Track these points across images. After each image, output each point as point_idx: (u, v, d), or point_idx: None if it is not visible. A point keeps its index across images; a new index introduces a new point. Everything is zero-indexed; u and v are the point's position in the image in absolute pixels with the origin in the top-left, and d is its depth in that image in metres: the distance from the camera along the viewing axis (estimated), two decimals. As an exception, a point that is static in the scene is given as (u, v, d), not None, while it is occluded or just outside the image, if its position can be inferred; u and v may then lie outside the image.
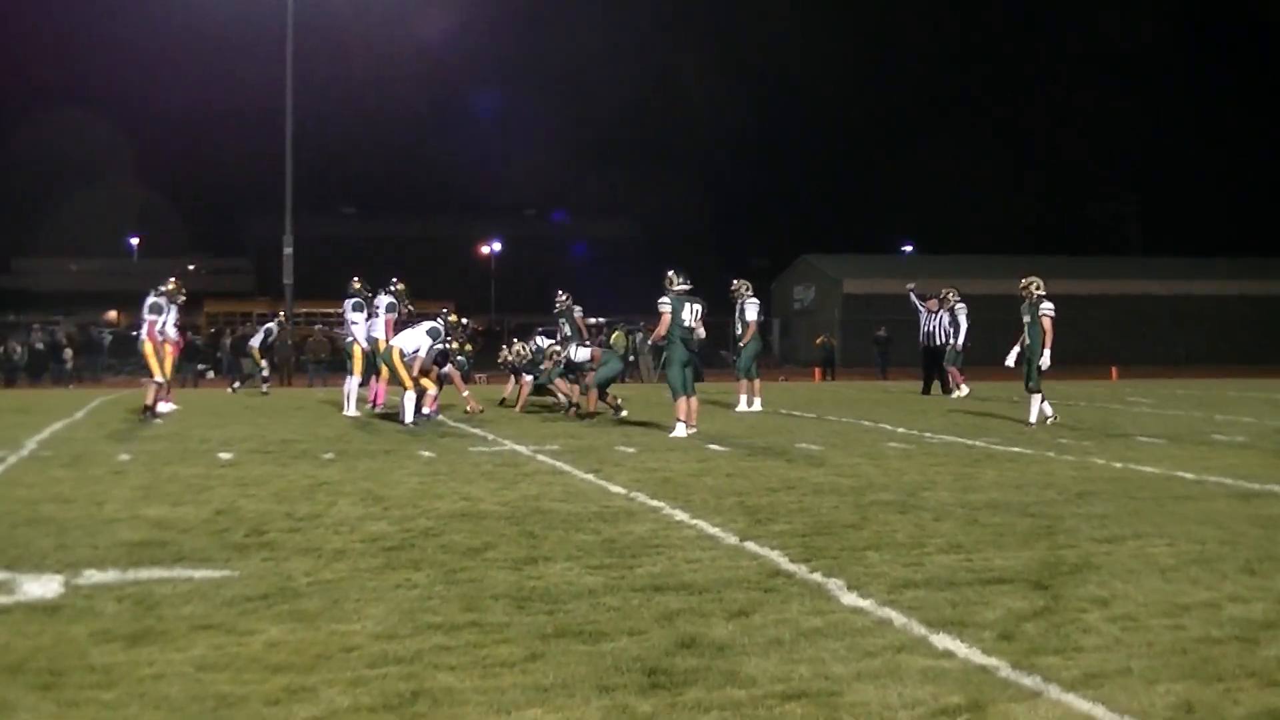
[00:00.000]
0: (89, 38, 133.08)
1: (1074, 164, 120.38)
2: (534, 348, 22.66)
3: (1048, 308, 18.79)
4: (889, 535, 8.90)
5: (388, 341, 20.33)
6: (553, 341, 22.64)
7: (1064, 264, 70.87)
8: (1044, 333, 18.71)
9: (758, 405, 23.00)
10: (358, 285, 23.29)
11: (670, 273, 18.19)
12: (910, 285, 30.92)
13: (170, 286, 21.52)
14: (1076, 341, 60.57)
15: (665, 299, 17.87)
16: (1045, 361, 18.68)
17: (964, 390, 27.49)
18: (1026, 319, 19.00)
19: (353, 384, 22.00)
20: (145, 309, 20.94)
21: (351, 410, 21.56)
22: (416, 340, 19.20)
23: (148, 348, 20.69)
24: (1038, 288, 19.08)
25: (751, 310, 23.39)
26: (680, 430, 17.18)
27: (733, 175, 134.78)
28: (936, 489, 11.49)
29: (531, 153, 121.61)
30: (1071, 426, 18.78)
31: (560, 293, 26.21)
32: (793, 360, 68.84)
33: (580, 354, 21.08)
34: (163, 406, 21.40)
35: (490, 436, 17.20)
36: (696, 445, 15.86)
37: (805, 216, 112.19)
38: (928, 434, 17.65)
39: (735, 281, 23.67)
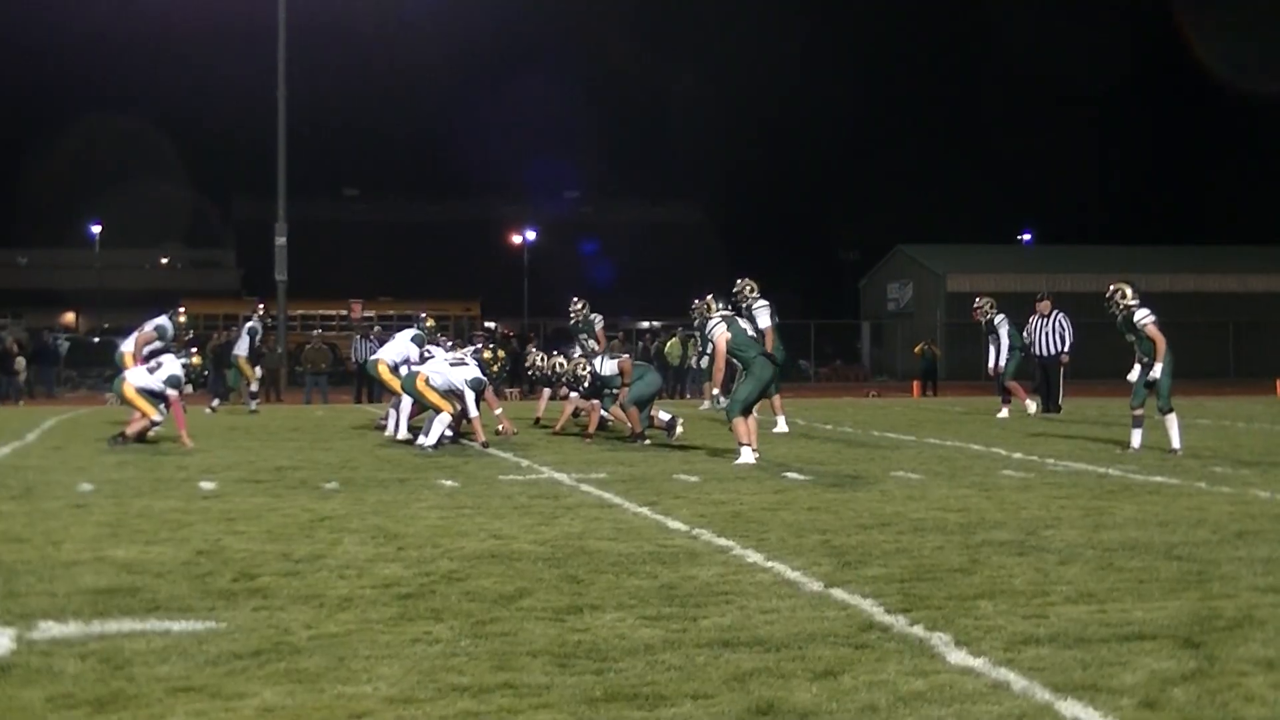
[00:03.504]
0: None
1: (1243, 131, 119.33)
2: (557, 365, 22.62)
3: (1144, 315, 18.66)
4: (1005, 581, 8.88)
5: (381, 362, 21.92)
6: (579, 354, 22.52)
7: (1217, 256, 70.65)
8: (1156, 344, 18.59)
9: (784, 425, 23.03)
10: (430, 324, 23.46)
11: (709, 297, 19.48)
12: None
13: (183, 318, 23.73)
14: (1230, 350, 60.34)
15: (715, 320, 18.17)
16: (1157, 372, 18.59)
17: (1003, 413, 27.75)
18: (1130, 337, 18.92)
19: (405, 405, 21.68)
20: (150, 326, 22.52)
21: (403, 433, 21.40)
22: (447, 377, 19.58)
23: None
24: (1124, 296, 18.94)
25: (764, 315, 23.04)
26: (747, 456, 17.19)
27: (817, 152, 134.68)
28: (1062, 526, 11.46)
29: (574, 125, 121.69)
30: (1227, 454, 18.68)
31: (575, 300, 26.04)
32: (886, 371, 68.78)
33: (607, 367, 21.03)
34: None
35: (525, 463, 17.27)
36: (771, 474, 15.87)
37: (902, 199, 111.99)
38: (1050, 460, 17.60)
39: (740, 281, 23.40)
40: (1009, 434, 22.58)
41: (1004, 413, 27.84)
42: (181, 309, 24.37)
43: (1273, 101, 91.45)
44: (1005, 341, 28.63)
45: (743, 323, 18.19)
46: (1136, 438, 18.89)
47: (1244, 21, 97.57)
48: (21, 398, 41.82)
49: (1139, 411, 18.92)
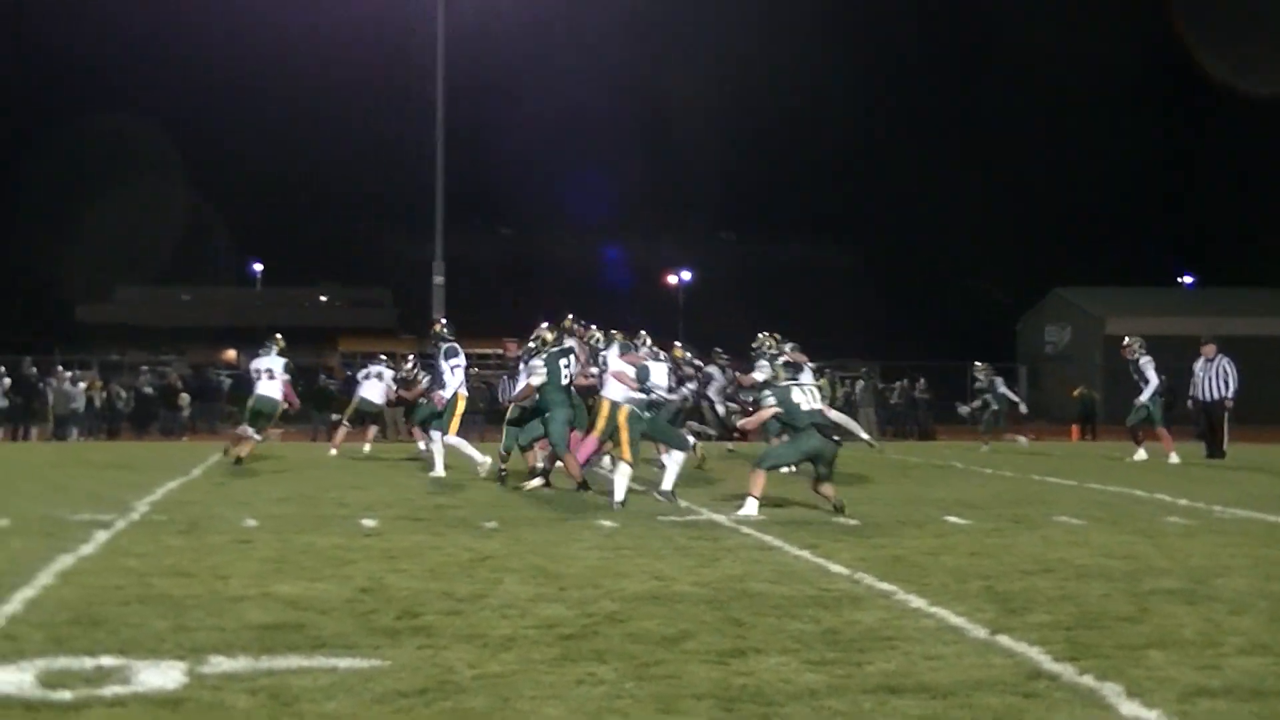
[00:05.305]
0: (197, 33, 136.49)
1: None
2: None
3: None
4: (1174, 631, 8.75)
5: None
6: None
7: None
8: None
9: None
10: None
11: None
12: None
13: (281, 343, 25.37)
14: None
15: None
16: None
17: (1141, 454, 27.38)
18: None
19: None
20: (451, 362, 21.98)
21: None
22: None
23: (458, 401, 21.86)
24: None
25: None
26: (751, 507, 16.17)
27: (971, 191, 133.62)
28: (1231, 575, 11.27)
29: (730, 168, 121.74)
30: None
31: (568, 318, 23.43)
32: (1044, 415, 67.98)
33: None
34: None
35: (683, 503, 17.19)
36: (931, 518, 15.72)
37: (1058, 241, 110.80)
38: (1217, 507, 17.31)
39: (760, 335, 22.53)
40: (1172, 479, 22.24)
41: (1141, 454, 27.50)
42: (278, 335, 25.64)
43: None
44: (1153, 382, 28.22)
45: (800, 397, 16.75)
46: None
47: None
48: (185, 433, 42.55)
49: None
